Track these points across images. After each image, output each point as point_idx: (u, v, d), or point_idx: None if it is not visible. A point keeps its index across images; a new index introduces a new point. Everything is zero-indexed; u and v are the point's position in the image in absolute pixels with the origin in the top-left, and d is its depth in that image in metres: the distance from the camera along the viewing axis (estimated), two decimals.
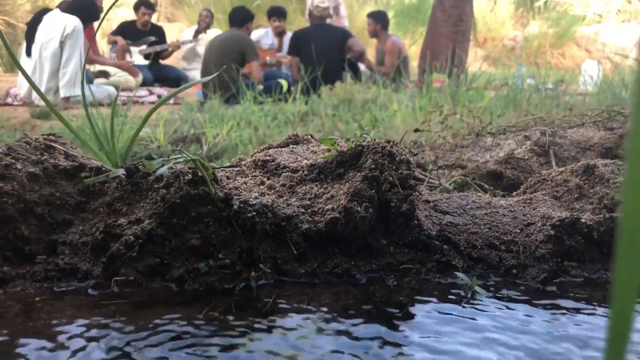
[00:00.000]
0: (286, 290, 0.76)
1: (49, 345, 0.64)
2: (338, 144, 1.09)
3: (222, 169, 0.99)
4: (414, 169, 0.88)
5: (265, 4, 8.69)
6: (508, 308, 0.74)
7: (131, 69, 6.54)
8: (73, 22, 5.36)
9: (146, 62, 7.14)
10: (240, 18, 6.06)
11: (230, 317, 0.69)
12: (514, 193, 1.05)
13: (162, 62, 7.52)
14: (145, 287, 0.75)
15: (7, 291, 0.74)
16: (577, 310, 0.75)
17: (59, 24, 5.40)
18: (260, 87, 5.83)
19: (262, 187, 0.89)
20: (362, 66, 7.04)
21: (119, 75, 6.51)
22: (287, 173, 0.91)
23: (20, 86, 5.84)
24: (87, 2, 5.61)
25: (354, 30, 8.86)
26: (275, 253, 0.79)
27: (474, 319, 0.71)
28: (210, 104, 5.36)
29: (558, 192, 0.94)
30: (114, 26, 8.88)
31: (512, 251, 0.81)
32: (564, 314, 0.73)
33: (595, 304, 0.76)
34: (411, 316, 0.72)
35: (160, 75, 7.29)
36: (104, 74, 6.20)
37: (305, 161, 0.96)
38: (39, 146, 0.89)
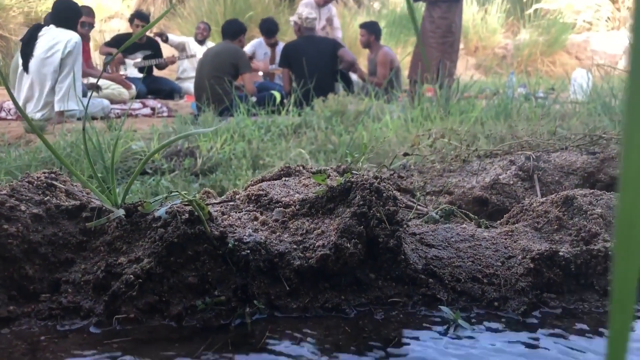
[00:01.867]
0: (279, 325, 0.80)
1: None
2: (329, 176, 1.14)
3: (217, 204, 1.03)
4: (400, 205, 0.92)
5: (258, 15, 8.76)
6: (489, 339, 0.78)
7: (124, 83, 6.57)
8: (74, 38, 5.42)
9: (140, 75, 7.19)
10: (233, 31, 6.11)
11: (227, 355, 0.73)
12: (497, 222, 1.10)
13: (155, 74, 7.57)
14: (145, 325, 0.79)
15: (13, 330, 0.77)
16: (555, 340, 0.79)
17: (60, 41, 5.45)
18: (254, 99, 5.87)
19: (255, 222, 0.93)
20: (354, 76, 7.10)
21: (112, 87, 6.54)
22: (279, 208, 0.95)
23: (17, 97, 5.87)
24: (72, 10, 5.69)
25: (347, 40, 8.94)
26: (268, 289, 0.83)
27: (458, 351, 0.75)
28: (204, 117, 5.40)
29: (538, 224, 0.99)
30: (107, 37, 8.92)
31: (493, 284, 0.86)
32: (541, 344, 0.78)
33: (572, 334, 0.81)
34: (399, 349, 0.76)
35: (154, 87, 7.34)
36: (95, 88, 6.23)
37: (297, 195, 1.00)
38: (40, 185, 0.93)
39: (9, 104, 6.15)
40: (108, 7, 11.65)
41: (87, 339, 0.77)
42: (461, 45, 8.06)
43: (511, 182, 1.35)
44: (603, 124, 4.01)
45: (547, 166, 1.41)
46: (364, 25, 7.25)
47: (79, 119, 5.73)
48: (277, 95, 6.09)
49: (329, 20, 8.40)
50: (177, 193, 0.85)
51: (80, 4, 7.08)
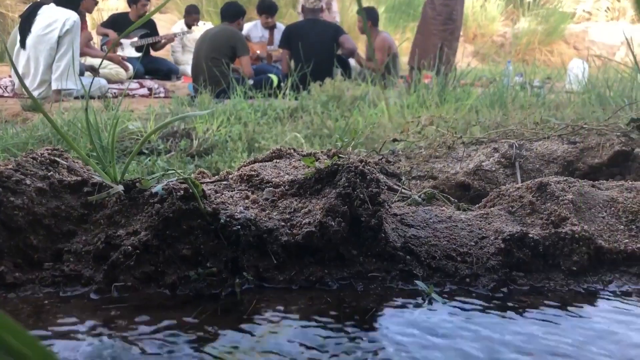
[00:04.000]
0: (266, 295, 0.86)
1: (58, 342, 0.73)
2: (318, 159, 1.19)
3: (211, 182, 1.09)
4: (383, 187, 0.98)
5: None
6: (460, 312, 0.85)
7: (122, 63, 6.57)
8: (72, 17, 5.41)
9: (138, 55, 7.17)
10: (232, 13, 6.11)
11: (217, 320, 0.79)
12: (475, 206, 1.16)
13: (153, 54, 7.54)
14: (142, 292, 0.85)
15: (19, 295, 0.83)
16: (521, 314, 0.86)
17: (58, 19, 5.44)
18: (251, 81, 5.89)
19: (247, 201, 0.99)
20: (352, 61, 7.11)
21: (109, 67, 6.54)
22: (269, 188, 1.01)
23: (14, 77, 5.87)
24: None
25: (345, 25, 8.92)
26: (257, 262, 0.89)
27: (429, 322, 0.82)
28: (200, 99, 5.42)
29: (513, 207, 1.05)
30: (104, 16, 8.87)
31: (466, 262, 0.92)
32: (507, 316, 0.84)
33: (538, 308, 0.87)
34: (376, 319, 0.83)
35: (152, 67, 7.32)
36: (93, 70, 6.24)
37: (287, 176, 1.06)
38: (44, 161, 0.98)
39: (5, 81, 6.15)
40: None
41: (87, 305, 0.83)
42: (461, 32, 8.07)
43: (493, 169, 1.41)
44: (596, 114, 4.07)
45: (529, 154, 1.47)
46: (361, 12, 7.24)
47: (76, 97, 5.74)
48: (275, 78, 6.11)
49: (328, 4, 8.38)
50: (173, 171, 0.90)
51: None
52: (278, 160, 1.16)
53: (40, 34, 5.47)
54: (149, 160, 3.61)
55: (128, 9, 7.45)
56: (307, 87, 5.56)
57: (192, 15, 7.86)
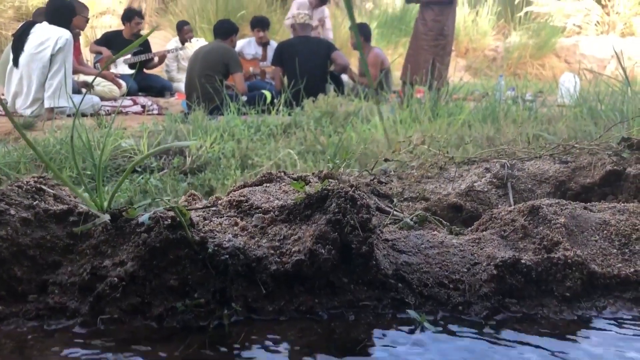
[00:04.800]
0: (255, 327, 0.85)
1: None
2: (308, 182, 1.18)
3: (200, 209, 1.07)
4: (374, 212, 0.97)
5: (250, 13, 8.78)
6: (452, 340, 0.83)
7: (115, 81, 6.57)
8: (65, 35, 5.42)
9: (131, 72, 7.17)
10: (225, 30, 6.14)
11: (205, 354, 0.77)
12: (468, 229, 1.15)
13: (146, 71, 7.56)
14: (128, 325, 0.83)
15: (2, 329, 0.81)
16: (514, 342, 0.84)
17: (50, 37, 5.45)
18: (244, 98, 5.90)
19: (235, 228, 0.98)
20: (344, 77, 7.15)
21: (102, 85, 6.53)
22: (259, 214, 1.00)
23: (7, 91, 5.86)
24: (66, 8, 5.69)
25: (338, 41, 8.98)
26: (246, 292, 0.88)
27: (422, 352, 0.80)
28: (194, 116, 5.42)
29: (505, 232, 1.04)
30: (98, 34, 8.88)
31: (459, 289, 0.91)
32: (500, 344, 0.83)
33: (531, 336, 0.86)
34: (367, 350, 0.81)
35: (145, 84, 7.33)
36: (87, 86, 6.23)
37: (276, 201, 1.05)
38: (30, 189, 0.97)
39: None
40: (100, 3, 11.59)
41: (72, 338, 0.81)
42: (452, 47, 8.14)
43: (485, 190, 1.40)
44: (588, 128, 4.09)
45: (521, 174, 1.47)
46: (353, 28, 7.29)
47: (68, 115, 5.72)
48: (268, 94, 6.12)
49: (322, 21, 8.45)
50: (160, 199, 0.89)
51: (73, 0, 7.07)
52: (268, 185, 1.15)
53: (32, 52, 5.47)
54: (142, 178, 3.59)
55: (122, 27, 7.48)
56: (300, 104, 5.57)
57: (183, 30, 7.87)
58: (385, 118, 5.20)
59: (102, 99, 6.27)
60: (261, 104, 5.52)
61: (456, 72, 9.83)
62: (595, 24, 13.69)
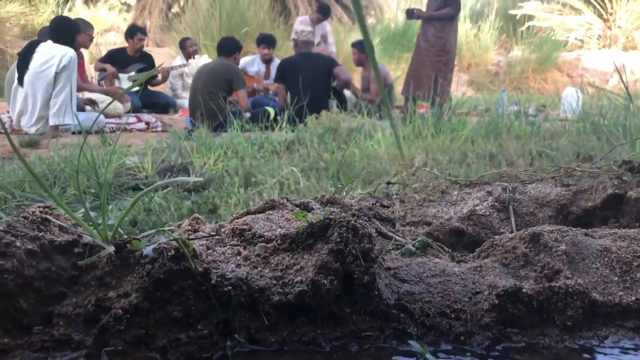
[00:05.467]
0: (258, 358, 0.85)
1: None
2: (311, 209, 1.19)
3: (204, 237, 1.09)
4: (375, 241, 0.98)
5: (253, 30, 8.86)
6: None
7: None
8: (69, 53, 5.48)
9: (135, 89, 7.23)
10: (229, 48, 6.19)
11: None
12: (470, 255, 1.15)
13: (150, 88, 7.62)
14: (132, 356, 0.84)
15: None
16: None
17: (55, 55, 5.51)
18: (248, 114, 5.93)
19: (238, 257, 0.99)
20: (347, 93, 7.18)
21: (107, 101, 6.58)
22: (261, 244, 1.01)
23: (12, 110, 5.91)
24: (66, 24, 5.76)
25: (341, 56, 9.04)
26: (249, 323, 0.88)
27: None
28: (198, 132, 5.45)
29: (506, 259, 1.05)
30: (103, 51, 8.97)
31: (460, 319, 0.91)
32: None
33: None
34: None
35: (149, 101, 7.38)
36: (92, 103, 6.28)
37: (279, 230, 1.06)
38: (35, 220, 0.98)
39: (3, 117, 6.19)
40: (104, 20, 11.73)
41: None
42: (455, 62, 8.19)
43: (487, 213, 1.41)
44: (591, 144, 4.10)
45: (523, 198, 1.48)
46: (355, 45, 7.35)
47: (73, 133, 5.77)
48: (272, 111, 6.15)
49: (324, 37, 8.52)
50: (164, 230, 0.90)
51: (78, 18, 7.16)
52: (271, 212, 1.16)
53: (37, 70, 5.53)
54: (146, 196, 3.60)
55: (126, 44, 7.55)
56: (303, 120, 5.60)
57: (187, 45, 7.93)
58: (387, 134, 5.22)
59: (106, 116, 6.32)
60: (264, 120, 5.55)
61: (459, 87, 9.87)
62: (597, 38, 13.76)
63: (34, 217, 0.98)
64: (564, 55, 12.69)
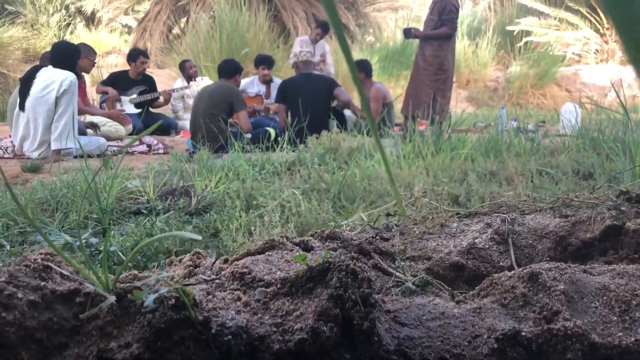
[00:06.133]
0: None
1: None
2: (311, 247, 1.20)
3: (204, 280, 1.09)
4: (374, 287, 0.99)
5: (253, 51, 8.94)
6: None
7: (121, 117, 6.67)
8: (70, 77, 5.52)
9: (137, 111, 7.28)
10: (229, 70, 6.25)
11: None
12: (470, 293, 1.16)
13: (152, 110, 7.67)
14: None
15: None
16: None
17: (55, 80, 5.55)
18: (249, 135, 5.96)
19: (238, 303, 0.99)
20: (347, 112, 7.22)
21: (109, 125, 6.63)
22: (261, 288, 1.01)
23: (14, 135, 5.94)
24: (68, 49, 5.80)
25: (340, 75, 9.12)
26: None
27: None
28: (199, 155, 5.48)
29: (505, 299, 1.05)
30: (104, 73, 9.05)
31: None
32: None
33: None
34: None
35: (151, 123, 7.42)
36: (93, 126, 6.32)
37: (279, 273, 1.06)
38: (37, 268, 0.99)
39: (6, 142, 6.23)
40: (106, 42, 11.86)
41: None
42: (453, 79, 8.26)
43: (487, 246, 1.42)
44: (590, 160, 4.11)
45: (522, 229, 1.48)
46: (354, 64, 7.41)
47: (75, 157, 5.79)
48: (272, 132, 6.19)
49: (323, 57, 8.59)
50: (164, 281, 0.91)
51: (80, 43, 7.22)
52: (270, 253, 1.17)
53: (38, 95, 5.58)
54: (148, 221, 3.61)
55: (127, 66, 7.62)
56: (304, 140, 5.62)
57: (186, 67, 7.99)
58: (388, 153, 5.23)
59: (108, 139, 6.36)
60: (265, 141, 5.57)
61: (458, 104, 9.92)
62: (595, 52, 13.85)
63: (35, 264, 0.99)
64: (562, 70, 12.78)
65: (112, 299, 0.92)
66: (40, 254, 1.04)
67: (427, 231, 1.52)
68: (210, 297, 1.01)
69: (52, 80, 5.54)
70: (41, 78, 5.60)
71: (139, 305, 0.92)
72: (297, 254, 1.09)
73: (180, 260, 1.59)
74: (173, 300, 0.90)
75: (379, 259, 1.35)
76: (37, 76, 5.64)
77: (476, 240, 1.43)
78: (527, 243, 1.45)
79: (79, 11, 14.19)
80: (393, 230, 1.58)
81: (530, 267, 1.09)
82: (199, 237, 0.75)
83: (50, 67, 5.66)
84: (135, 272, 1.65)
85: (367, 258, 1.35)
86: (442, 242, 1.47)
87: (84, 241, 2.60)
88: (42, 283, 0.95)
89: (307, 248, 1.23)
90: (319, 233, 1.41)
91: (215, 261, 1.38)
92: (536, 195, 1.71)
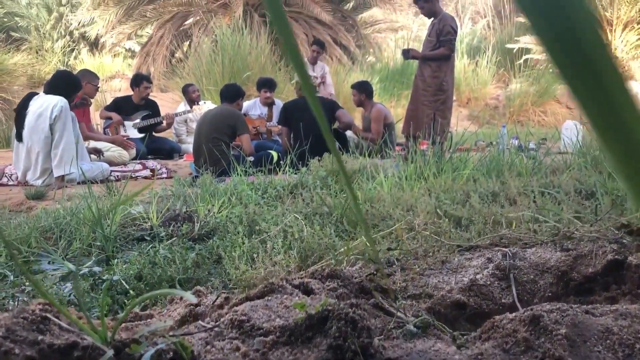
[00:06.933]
0: None
1: None
2: (311, 290, 1.20)
3: (205, 328, 1.09)
4: (374, 335, 0.98)
5: (255, 74, 9.02)
6: None
7: (125, 142, 6.71)
8: (60, 102, 5.48)
9: (140, 136, 7.33)
10: (232, 94, 6.30)
11: None
12: (471, 336, 1.15)
13: (155, 134, 7.71)
14: None
15: None
16: None
17: (46, 107, 5.52)
18: (251, 158, 5.99)
19: (237, 353, 0.98)
20: (349, 132, 7.24)
21: (112, 150, 6.66)
22: (260, 338, 1.01)
23: (16, 167, 5.96)
24: (66, 78, 5.80)
25: (342, 97, 9.17)
26: None
27: None
28: (202, 179, 5.49)
29: (507, 344, 1.04)
30: (108, 97, 9.12)
31: None
32: None
33: None
34: None
35: (154, 147, 7.47)
36: (97, 152, 6.35)
37: (278, 320, 1.06)
38: (35, 320, 0.99)
39: (10, 169, 6.26)
40: (109, 67, 11.99)
41: None
42: (454, 98, 8.29)
43: (488, 283, 1.41)
44: (592, 179, 4.09)
45: (523, 264, 1.48)
46: (355, 86, 7.47)
47: (79, 183, 5.80)
48: (275, 154, 6.21)
49: (323, 78, 8.66)
50: (163, 336, 0.91)
51: (84, 69, 7.29)
52: (270, 298, 1.17)
53: (32, 124, 5.55)
54: (151, 248, 3.61)
55: (131, 91, 7.69)
56: (306, 163, 5.64)
57: (189, 91, 8.04)
58: (390, 174, 5.24)
59: (112, 164, 6.38)
60: (267, 164, 5.59)
61: (459, 122, 9.95)
62: None
63: (33, 316, 0.99)
64: (562, 87, 12.82)
65: (110, 353, 0.91)
66: (39, 303, 1.04)
67: (428, 267, 1.51)
68: (209, 347, 1.00)
69: (43, 107, 5.49)
70: (34, 107, 5.56)
71: (137, 358, 0.91)
72: (297, 299, 1.09)
73: (180, 299, 1.59)
74: (171, 353, 0.89)
75: (380, 299, 1.34)
76: (30, 105, 5.62)
77: (477, 276, 1.42)
78: (528, 278, 1.44)
79: (83, 37, 14.38)
80: (394, 265, 1.57)
81: (531, 310, 1.08)
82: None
83: (41, 94, 5.64)
84: (137, 310, 1.65)
85: (368, 297, 1.34)
86: (444, 279, 1.46)
87: (86, 270, 2.60)
88: (40, 337, 0.94)
89: (307, 291, 1.23)
90: (320, 271, 1.40)
91: (216, 299, 1.38)
92: (537, 226, 1.70)
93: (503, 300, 1.37)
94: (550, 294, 1.40)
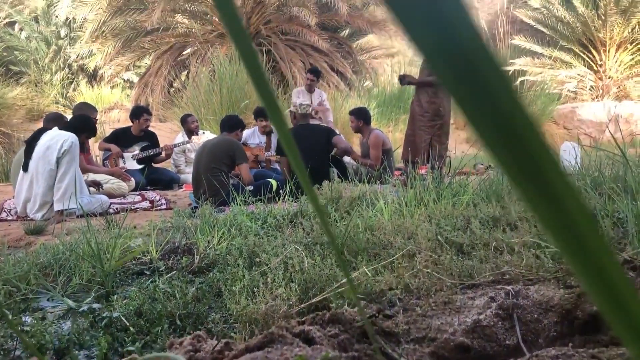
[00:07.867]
0: None
1: None
2: (312, 338, 1.18)
3: None
4: None
5: (253, 102, 9.08)
6: None
7: (123, 175, 6.71)
8: (70, 138, 5.57)
9: (139, 167, 7.33)
10: (231, 125, 6.34)
11: None
12: None
13: (154, 165, 7.72)
14: None
15: None
16: None
17: (57, 141, 5.61)
18: (250, 188, 5.98)
19: None
20: (347, 158, 7.26)
21: (111, 182, 6.66)
22: None
23: (17, 198, 5.96)
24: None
25: (339, 122, 9.21)
26: None
27: None
28: (201, 210, 5.48)
29: None
30: (106, 128, 9.17)
31: None
32: None
33: None
34: None
35: (153, 177, 7.46)
36: (96, 185, 6.36)
37: None
38: None
39: (9, 204, 6.25)
40: (108, 98, 12.08)
41: None
42: (451, 121, 8.32)
43: (492, 324, 1.39)
44: (592, 201, 4.09)
45: (526, 303, 1.46)
46: (352, 112, 7.51)
47: (78, 216, 5.79)
48: (274, 183, 6.21)
49: (321, 104, 8.71)
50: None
51: (82, 102, 7.35)
52: (270, 349, 1.15)
53: (40, 155, 5.62)
54: (151, 282, 3.57)
55: (129, 123, 7.71)
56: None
57: (188, 122, 8.06)
58: (389, 200, 5.23)
59: (111, 196, 6.37)
60: (267, 192, 5.58)
61: (458, 145, 9.99)
62: (590, 89, 14.03)
63: None
64: (559, 109, 12.91)
65: None
66: None
67: (430, 307, 1.50)
68: None
69: (54, 140, 5.58)
70: (44, 139, 5.66)
71: None
72: (297, 350, 1.08)
73: (180, 344, 1.57)
74: None
75: (383, 343, 1.32)
76: (42, 137, 5.71)
77: (481, 317, 1.41)
78: (532, 318, 1.42)
79: (82, 69, 14.53)
80: (396, 306, 1.56)
81: (536, 357, 1.07)
82: None
83: (55, 128, 5.74)
84: (136, 356, 1.63)
85: (370, 342, 1.33)
86: (446, 320, 1.44)
87: (85, 307, 2.57)
88: None
89: (308, 339, 1.21)
90: (320, 316, 1.39)
91: (215, 346, 1.36)
92: (540, 251, 1.69)
93: (507, 342, 1.35)
94: (555, 334, 1.38)
